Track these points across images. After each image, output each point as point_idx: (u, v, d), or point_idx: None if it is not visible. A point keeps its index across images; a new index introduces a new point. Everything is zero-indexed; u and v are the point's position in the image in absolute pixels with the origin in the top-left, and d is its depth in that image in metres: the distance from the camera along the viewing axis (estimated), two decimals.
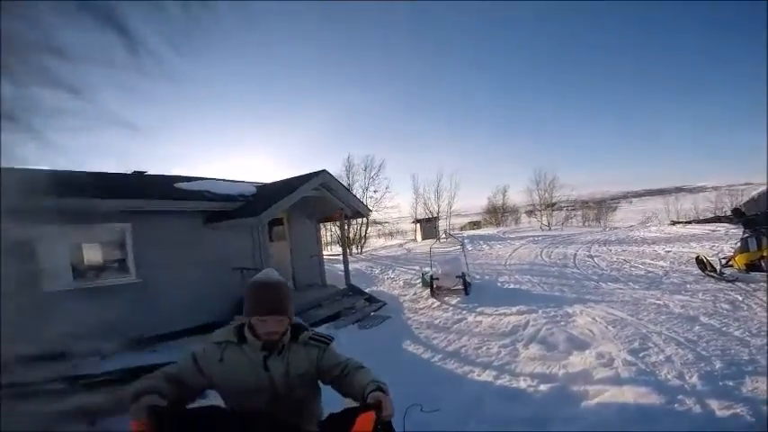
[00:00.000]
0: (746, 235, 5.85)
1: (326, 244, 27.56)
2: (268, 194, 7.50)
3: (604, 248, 12.12)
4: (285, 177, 8.75)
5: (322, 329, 5.79)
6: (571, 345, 4.25)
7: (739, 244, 6.04)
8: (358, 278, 9.86)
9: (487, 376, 3.81)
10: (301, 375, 1.40)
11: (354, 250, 20.56)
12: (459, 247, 11.09)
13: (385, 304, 7.29)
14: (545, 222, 31.35)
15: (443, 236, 22.47)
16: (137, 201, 6.03)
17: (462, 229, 35.43)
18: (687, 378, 3.10)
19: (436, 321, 5.98)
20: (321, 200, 7.87)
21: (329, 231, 25.66)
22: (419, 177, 43.68)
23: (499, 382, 3.67)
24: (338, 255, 14.38)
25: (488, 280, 8.83)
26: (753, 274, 5.69)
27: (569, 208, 35.85)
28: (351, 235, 21.51)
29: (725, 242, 9.86)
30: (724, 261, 6.33)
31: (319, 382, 1.48)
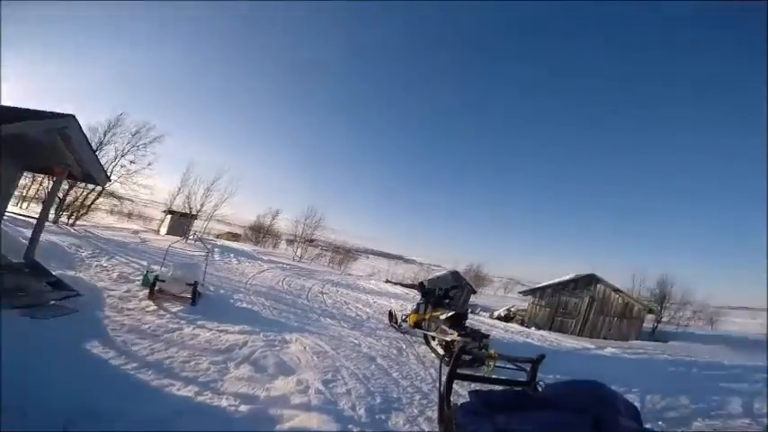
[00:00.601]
0: (420, 301, 8.04)
1: (25, 198, 19.56)
2: None
3: (335, 289, 14.02)
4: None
5: None
6: (279, 369, 4.52)
7: (414, 306, 8.25)
8: (52, 255, 7.33)
9: (188, 392, 3.52)
10: None
11: (65, 219, 15.26)
12: (204, 253, 10.19)
13: (78, 295, 5.64)
14: (298, 254, 33.42)
15: (192, 237, 20.11)
16: None
17: (219, 236, 32.90)
18: (357, 410, 3.77)
19: (144, 326, 5.10)
20: (45, 146, 5.66)
21: (39, 184, 18.37)
22: (197, 168, 38.34)
23: (200, 398, 3.45)
24: (34, 217, 10.26)
25: (223, 294, 8.42)
26: (416, 330, 7.72)
27: (323, 248, 39.99)
28: (69, 198, 16.03)
29: (412, 303, 13.36)
30: (404, 317, 8.45)
31: None
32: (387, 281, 28.67)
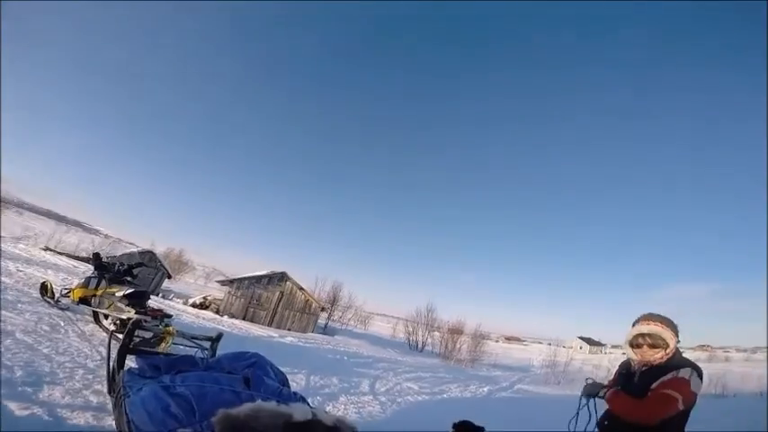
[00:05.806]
0: (93, 275, 6.62)
1: None
2: None
3: None
4: None
5: None
6: None
7: (83, 280, 6.68)
8: None
9: None
10: None
11: None
12: None
13: None
14: None
15: None
16: None
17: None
18: None
19: None
20: None
21: None
22: None
23: None
24: None
25: None
26: (82, 306, 6.34)
27: None
28: None
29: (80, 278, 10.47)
30: (65, 291, 6.69)
31: None
32: (46, 248, 21.22)
